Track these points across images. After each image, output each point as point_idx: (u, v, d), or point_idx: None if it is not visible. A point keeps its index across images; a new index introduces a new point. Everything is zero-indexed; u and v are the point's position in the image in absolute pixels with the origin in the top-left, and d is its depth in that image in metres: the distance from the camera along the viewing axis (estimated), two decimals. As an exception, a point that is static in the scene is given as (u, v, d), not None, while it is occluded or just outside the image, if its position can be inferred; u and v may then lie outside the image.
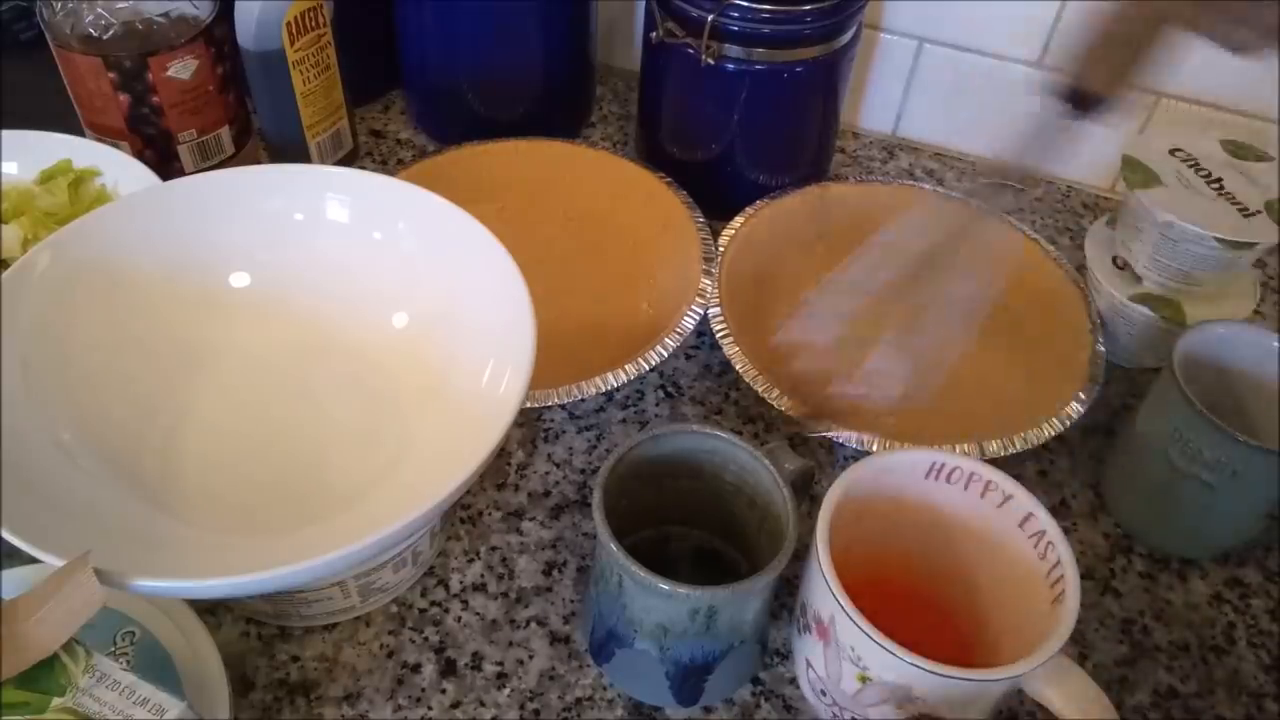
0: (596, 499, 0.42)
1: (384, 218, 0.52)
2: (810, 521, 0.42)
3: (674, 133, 0.69)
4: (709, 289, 0.58)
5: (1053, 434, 0.53)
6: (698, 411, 0.59)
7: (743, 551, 0.48)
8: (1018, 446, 0.52)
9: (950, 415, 0.54)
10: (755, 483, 0.44)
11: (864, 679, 0.41)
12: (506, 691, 0.47)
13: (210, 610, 0.48)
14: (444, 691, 0.47)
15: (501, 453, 0.56)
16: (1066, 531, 0.44)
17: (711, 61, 0.61)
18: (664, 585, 0.39)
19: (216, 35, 0.62)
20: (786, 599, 0.50)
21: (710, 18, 0.59)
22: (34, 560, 0.37)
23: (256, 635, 0.48)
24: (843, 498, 0.42)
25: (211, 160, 0.66)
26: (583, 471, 0.56)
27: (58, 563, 0.36)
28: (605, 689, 0.47)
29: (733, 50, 0.61)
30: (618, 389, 0.54)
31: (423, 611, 0.50)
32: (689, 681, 0.45)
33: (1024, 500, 0.42)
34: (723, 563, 0.49)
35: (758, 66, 0.62)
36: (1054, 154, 0.42)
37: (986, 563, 0.44)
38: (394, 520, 0.38)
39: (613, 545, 0.40)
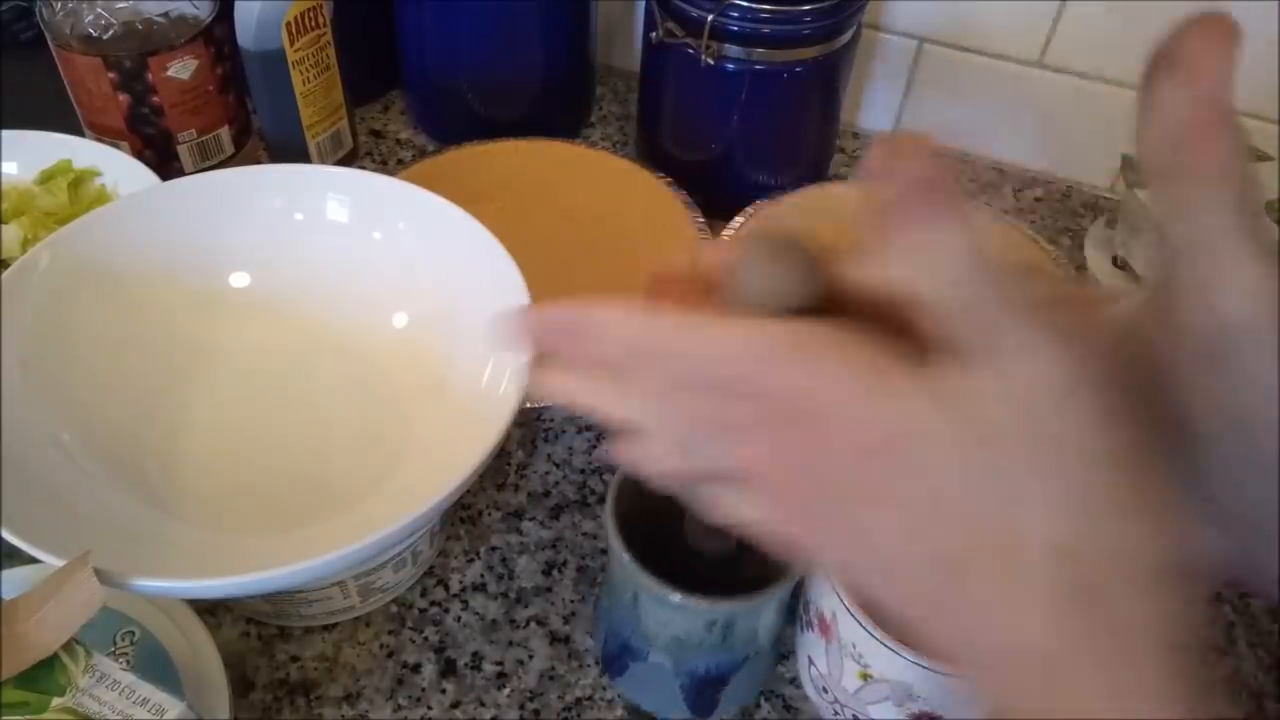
0: (609, 511, 0.41)
1: (384, 218, 0.52)
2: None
3: (674, 133, 0.69)
4: None
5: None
6: (698, 411, 0.59)
7: (755, 559, 0.47)
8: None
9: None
10: None
11: (865, 676, 0.41)
12: (506, 691, 0.47)
13: (210, 610, 0.48)
14: (444, 691, 0.47)
15: (501, 453, 0.56)
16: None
17: (711, 61, 0.61)
18: (679, 598, 0.39)
19: (216, 35, 0.62)
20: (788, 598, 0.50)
21: (710, 18, 0.59)
22: (34, 560, 0.37)
23: (256, 635, 0.48)
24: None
25: (211, 160, 0.66)
26: (583, 471, 0.56)
27: (58, 563, 0.36)
28: (605, 689, 0.47)
29: (733, 50, 0.61)
30: (618, 389, 0.54)
31: (423, 611, 0.50)
32: (704, 694, 0.44)
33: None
34: (735, 571, 0.48)
35: (758, 66, 0.62)
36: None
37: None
38: (394, 520, 0.38)
39: (626, 557, 0.40)
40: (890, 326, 0.26)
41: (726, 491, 0.29)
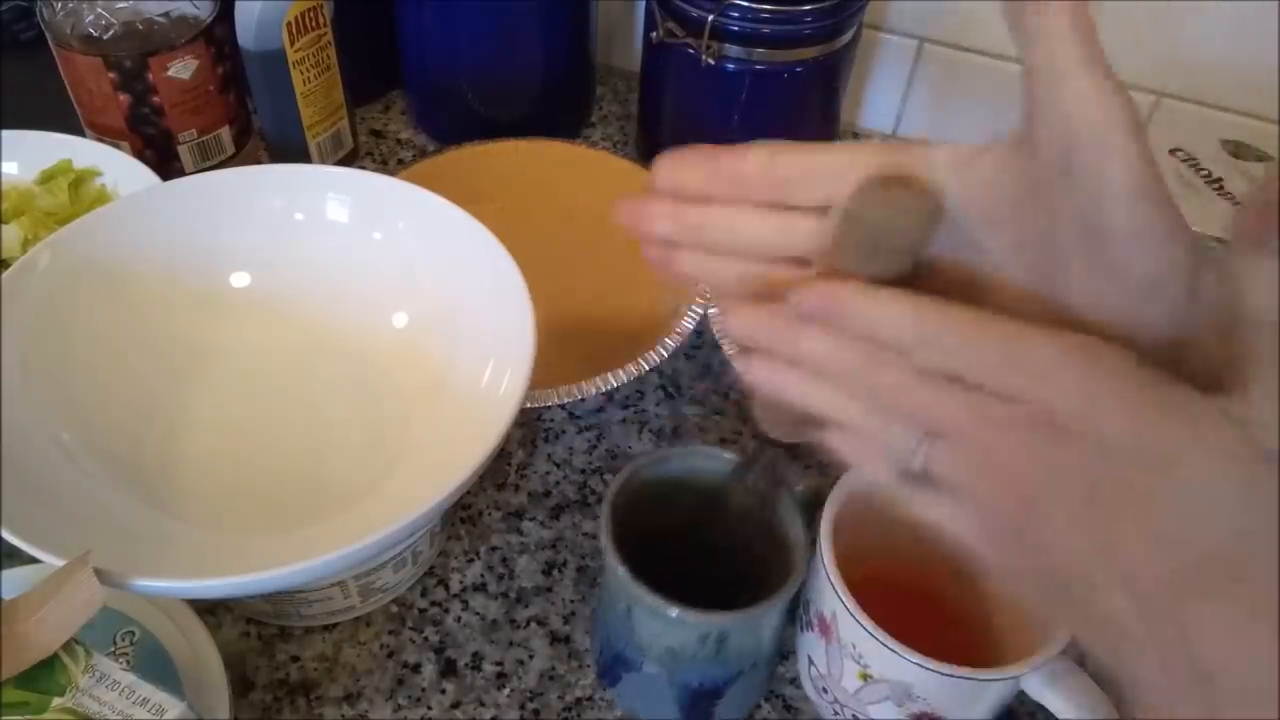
0: (604, 521, 0.41)
1: (384, 218, 0.52)
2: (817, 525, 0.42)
3: (674, 133, 0.69)
4: (709, 289, 0.58)
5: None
6: (698, 412, 0.59)
7: (754, 570, 0.47)
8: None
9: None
10: None
11: (865, 677, 0.41)
12: (506, 691, 0.47)
13: (210, 610, 0.48)
14: (444, 691, 0.47)
15: (501, 453, 0.56)
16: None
17: (711, 61, 0.61)
18: (673, 611, 0.39)
19: (217, 35, 0.62)
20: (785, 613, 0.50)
21: (710, 18, 0.59)
22: (34, 560, 0.37)
23: (256, 635, 0.48)
24: (847, 496, 0.42)
25: (211, 160, 0.66)
26: (583, 471, 0.56)
27: (58, 563, 0.36)
28: (605, 689, 0.47)
29: (733, 50, 0.61)
30: (618, 389, 0.54)
31: (423, 611, 0.50)
32: (698, 706, 0.44)
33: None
34: (734, 582, 0.48)
35: (758, 66, 0.62)
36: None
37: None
38: (394, 520, 0.38)
39: (620, 570, 0.39)
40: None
41: (945, 496, 0.28)
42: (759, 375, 0.30)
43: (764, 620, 0.41)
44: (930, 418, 0.27)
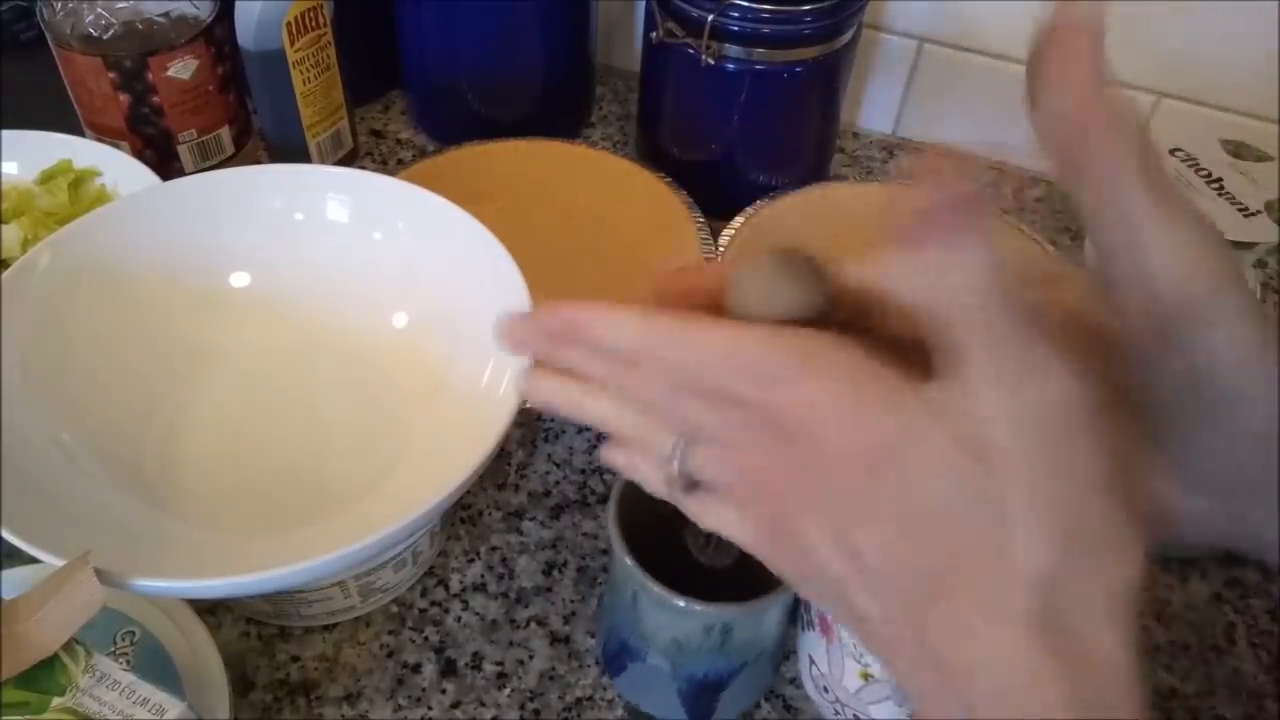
0: (611, 512, 0.41)
1: (384, 218, 0.52)
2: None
3: (674, 133, 0.69)
4: None
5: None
6: (698, 411, 0.59)
7: (761, 567, 0.47)
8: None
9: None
10: None
11: (866, 676, 0.41)
12: (506, 691, 0.47)
13: (210, 610, 0.48)
14: (444, 691, 0.47)
15: (501, 453, 0.56)
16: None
17: (711, 61, 0.61)
18: (679, 601, 0.39)
19: (216, 35, 0.62)
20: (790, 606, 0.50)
21: (710, 18, 0.59)
22: (34, 560, 0.37)
23: (256, 635, 0.48)
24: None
25: (211, 160, 0.66)
26: (583, 471, 0.56)
27: (58, 563, 0.36)
28: (605, 689, 0.47)
29: (733, 50, 0.61)
30: (618, 389, 0.54)
31: (423, 611, 0.50)
32: (702, 698, 0.44)
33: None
34: (740, 577, 0.48)
35: (758, 66, 0.62)
36: None
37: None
38: (394, 520, 0.38)
39: (628, 560, 0.40)
40: (884, 329, 0.26)
41: (714, 502, 0.29)
42: (536, 388, 0.31)
43: (769, 613, 0.41)
44: (681, 423, 0.28)
